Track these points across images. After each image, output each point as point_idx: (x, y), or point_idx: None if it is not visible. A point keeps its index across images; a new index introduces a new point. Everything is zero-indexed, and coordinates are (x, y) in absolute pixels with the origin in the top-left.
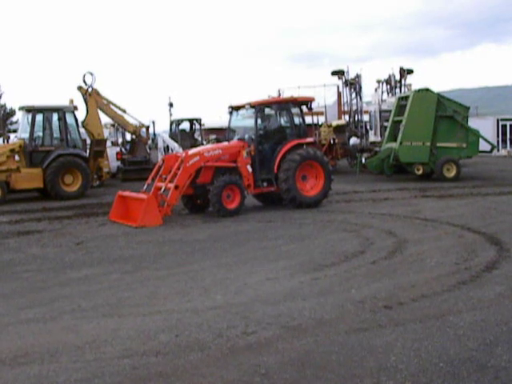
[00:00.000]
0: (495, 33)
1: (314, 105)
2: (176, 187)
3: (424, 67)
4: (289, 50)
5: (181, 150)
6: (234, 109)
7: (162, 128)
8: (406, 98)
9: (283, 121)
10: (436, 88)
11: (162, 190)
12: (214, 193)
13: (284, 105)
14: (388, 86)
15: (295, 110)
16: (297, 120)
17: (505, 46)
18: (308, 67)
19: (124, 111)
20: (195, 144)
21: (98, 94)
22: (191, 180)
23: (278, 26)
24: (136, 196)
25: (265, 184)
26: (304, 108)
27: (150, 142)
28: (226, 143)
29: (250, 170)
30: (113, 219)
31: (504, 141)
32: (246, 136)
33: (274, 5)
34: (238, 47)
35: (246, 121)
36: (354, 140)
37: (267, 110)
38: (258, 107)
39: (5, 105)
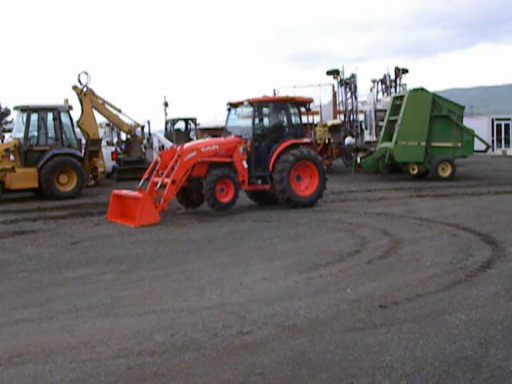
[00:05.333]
0: (493, 33)
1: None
2: (173, 182)
3: (421, 67)
4: (288, 50)
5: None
6: (233, 106)
7: (158, 128)
8: (401, 97)
9: (280, 120)
10: (431, 87)
11: (158, 185)
12: (208, 188)
13: (282, 104)
14: (383, 86)
15: (293, 110)
16: (294, 120)
17: (502, 46)
18: (306, 67)
19: (119, 111)
20: None
21: (93, 93)
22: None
23: (278, 26)
24: (131, 195)
25: (259, 181)
26: (302, 108)
27: (145, 141)
28: (222, 138)
29: (245, 165)
30: (111, 220)
31: (499, 140)
32: (243, 134)
33: (274, 5)
34: (237, 47)
35: (243, 120)
36: (349, 140)
37: (265, 108)
38: (257, 104)
39: None
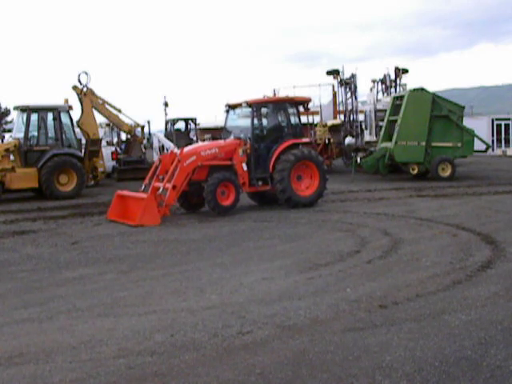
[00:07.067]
0: (493, 33)
1: (309, 104)
2: (174, 187)
3: (421, 67)
4: (288, 50)
5: (176, 149)
6: (231, 107)
7: (158, 128)
8: (401, 97)
9: (279, 120)
10: (431, 87)
11: (160, 190)
12: (209, 190)
13: (281, 104)
14: (383, 86)
15: (292, 110)
16: (293, 120)
17: (502, 46)
18: (306, 67)
19: (119, 111)
20: (190, 144)
21: (92, 93)
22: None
23: (278, 26)
24: (135, 195)
25: (260, 183)
26: (300, 108)
27: (145, 141)
28: (222, 141)
29: (245, 168)
30: (111, 218)
31: (499, 140)
32: (242, 134)
33: (275, 5)
34: (237, 47)
35: (242, 120)
36: (349, 140)
37: (264, 109)
38: (255, 106)
39: None
